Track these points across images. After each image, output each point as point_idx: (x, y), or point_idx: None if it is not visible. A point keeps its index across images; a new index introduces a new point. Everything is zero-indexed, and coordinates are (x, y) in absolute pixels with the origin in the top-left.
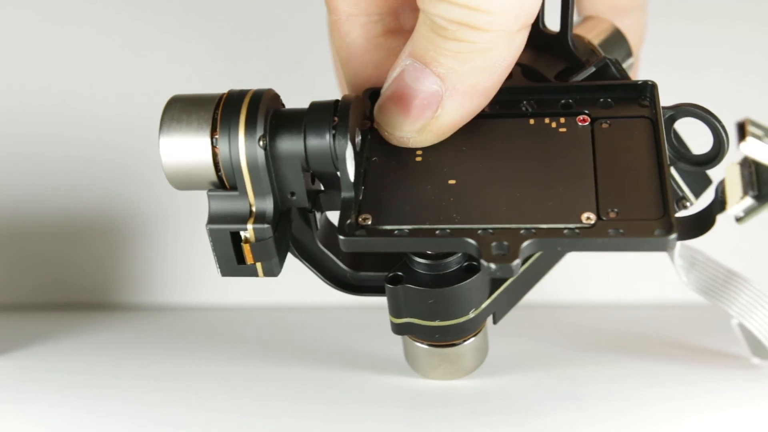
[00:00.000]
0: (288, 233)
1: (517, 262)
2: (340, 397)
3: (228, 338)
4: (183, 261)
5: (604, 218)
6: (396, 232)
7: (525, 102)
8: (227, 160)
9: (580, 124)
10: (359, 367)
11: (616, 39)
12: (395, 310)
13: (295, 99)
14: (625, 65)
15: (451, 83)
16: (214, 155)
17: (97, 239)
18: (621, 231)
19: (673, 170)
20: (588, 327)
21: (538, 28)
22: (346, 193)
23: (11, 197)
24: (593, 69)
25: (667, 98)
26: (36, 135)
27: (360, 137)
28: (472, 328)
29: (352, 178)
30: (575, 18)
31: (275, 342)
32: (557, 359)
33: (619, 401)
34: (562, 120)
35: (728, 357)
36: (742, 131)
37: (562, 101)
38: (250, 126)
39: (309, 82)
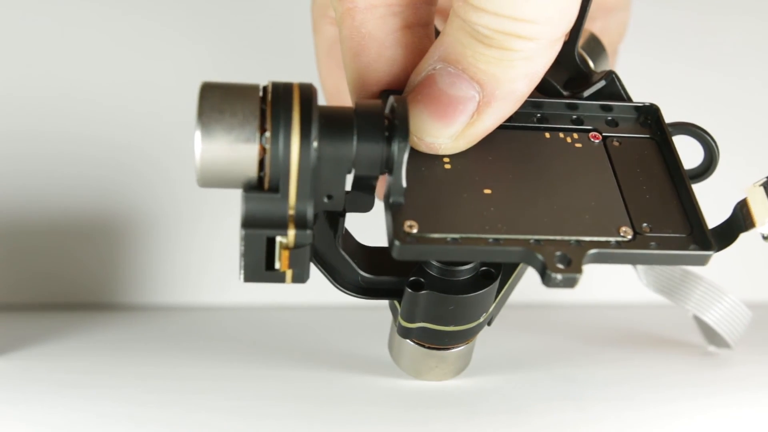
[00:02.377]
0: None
1: (581, 274)
2: (339, 397)
3: (227, 338)
4: (183, 261)
5: (639, 232)
6: (447, 240)
7: (536, 115)
8: (276, 159)
9: (593, 140)
10: (358, 368)
11: (594, 44)
12: (409, 315)
13: None
14: (602, 65)
15: (490, 89)
16: (260, 154)
17: (97, 239)
18: (659, 246)
19: None
20: (587, 326)
21: None
22: (397, 198)
23: (11, 197)
24: (604, 83)
25: (665, 96)
26: (36, 134)
27: None
28: (479, 330)
29: (404, 183)
30: None
31: (275, 342)
32: (556, 359)
33: (618, 401)
34: (576, 136)
35: (728, 358)
36: None
37: (573, 116)
38: (305, 125)
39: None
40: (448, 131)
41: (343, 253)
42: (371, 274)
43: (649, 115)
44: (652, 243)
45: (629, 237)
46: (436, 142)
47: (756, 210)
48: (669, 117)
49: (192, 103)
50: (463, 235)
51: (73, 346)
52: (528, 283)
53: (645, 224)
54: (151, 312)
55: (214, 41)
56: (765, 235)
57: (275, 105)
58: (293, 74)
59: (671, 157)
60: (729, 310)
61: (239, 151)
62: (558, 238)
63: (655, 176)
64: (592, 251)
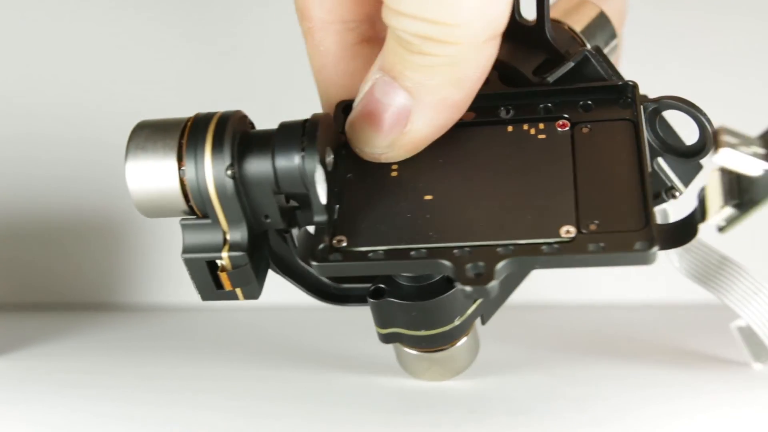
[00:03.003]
0: (266, 253)
1: (493, 284)
2: (339, 397)
3: (227, 338)
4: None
5: (584, 231)
6: (371, 254)
7: (503, 108)
8: (195, 189)
9: (559, 129)
10: (358, 368)
11: (600, 23)
12: (380, 322)
13: (293, 103)
14: (608, 48)
15: (419, 97)
16: (182, 185)
17: (97, 239)
18: (602, 245)
19: (661, 160)
20: (587, 327)
21: (514, 19)
22: (319, 217)
23: (11, 197)
24: (572, 64)
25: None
26: (36, 135)
27: (332, 155)
28: (459, 333)
29: (323, 200)
30: (553, 0)
31: (275, 342)
32: (556, 360)
33: (618, 402)
34: (542, 126)
35: (728, 358)
36: (716, 140)
37: (541, 105)
38: (217, 153)
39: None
40: (383, 141)
41: (303, 264)
42: (336, 282)
43: (627, 93)
44: (593, 243)
45: (569, 238)
46: (374, 151)
47: (710, 198)
48: (669, 118)
49: (191, 103)
50: (390, 248)
51: (73, 346)
52: (528, 284)
53: (593, 221)
54: (151, 312)
55: (213, 43)
56: (720, 227)
57: (190, 138)
58: (292, 75)
59: (639, 140)
60: None
61: (162, 185)
62: (490, 243)
63: (622, 164)
64: (504, 261)
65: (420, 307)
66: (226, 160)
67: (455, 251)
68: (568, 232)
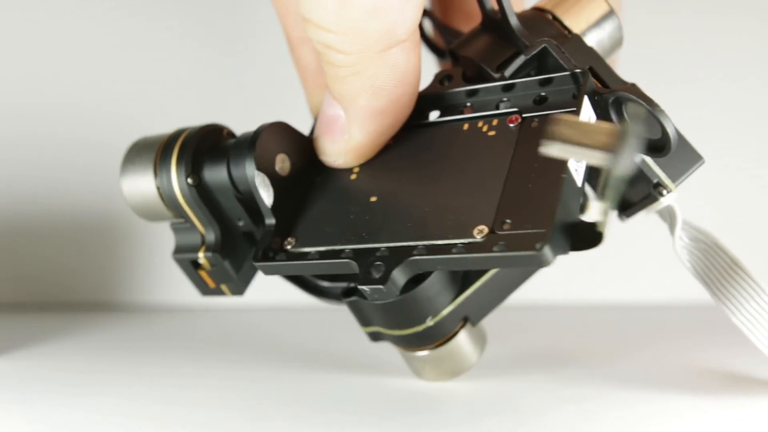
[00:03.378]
0: (251, 253)
1: (388, 285)
2: (338, 398)
3: (227, 338)
4: None
5: (497, 231)
6: (309, 254)
7: (465, 106)
8: (168, 197)
9: (510, 125)
10: (357, 368)
11: (603, 14)
12: (360, 320)
13: (293, 104)
14: (614, 37)
15: (345, 107)
16: (160, 194)
17: (97, 239)
18: (505, 246)
19: (645, 157)
20: (588, 327)
21: (485, 13)
22: (267, 220)
23: (11, 197)
24: (524, 58)
25: (666, 97)
26: (36, 135)
27: (288, 161)
28: (438, 334)
29: (267, 203)
30: None
31: (275, 342)
32: (556, 360)
33: (618, 401)
34: (495, 122)
35: (728, 359)
36: (549, 132)
37: (503, 99)
38: (180, 165)
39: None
40: (330, 149)
41: None
42: (325, 280)
43: (578, 81)
44: (500, 243)
45: (479, 238)
46: (327, 159)
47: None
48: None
49: (190, 105)
50: (327, 248)
51: (73, 346)
52: (528, 284)
53: (507, 221)
54: (151, 312)
55: (214, 43)
56: (597, 222)
57: (163, 153)
58: (293, 76)
59: None
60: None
61: (146, 195)
62: (409, 244)
63: (555, 160)
64: (403, 264)
65: (384, 308)
66: (187, 169)
67: (376, 252)
68: (480, 232)
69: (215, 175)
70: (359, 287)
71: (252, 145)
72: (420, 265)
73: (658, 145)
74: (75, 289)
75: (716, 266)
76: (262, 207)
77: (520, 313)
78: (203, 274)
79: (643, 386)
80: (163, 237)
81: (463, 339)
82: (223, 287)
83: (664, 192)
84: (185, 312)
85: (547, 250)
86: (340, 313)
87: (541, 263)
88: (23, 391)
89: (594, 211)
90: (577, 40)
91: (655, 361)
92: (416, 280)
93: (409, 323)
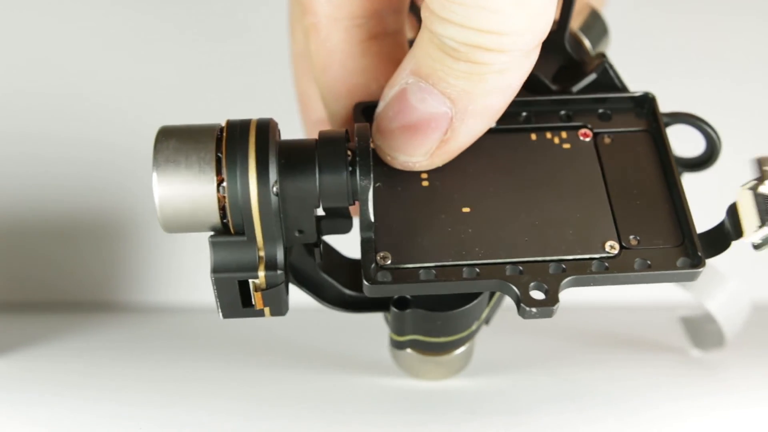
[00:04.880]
0: (289, 269)
1: (558, 305)
2: (338, 398)
3: (227, 339)
4: (183, 261)
5: (626, 246)
6: (422, 272)
7: (523, 114)
8: (235, 207)
9: (582, 138)
10: (357, 368)
11: (594, 20)
12: (398, 330)
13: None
14: (602, 44)
15: (462, 105)
16: (220, 202)
17: (97, 239)
18: (648, 263)
19: None
20: (588, 327)
21: None
22: (365, 234)
23: (11, 197)
24: (594, 76)
25: (665, 98)
26: (36, 135)
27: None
28: (471, 337)
29: (372, 217)
30: None
31: (275, 342)
32: (556, 359)
33: (618, 402)
34: (564, 135)
35: (728, 359)
36: (761, 170)
37: (561, 113)
38: (262, 170)
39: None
40: (421, 149)
41: (325, 275)
42: (356, 291)
43: (645, 104)
44: (638, 259)
45: (614, 253)
46: (410, 160)
47: (745, 217)
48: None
49: (192, 104)
50: (438, 264)
51: (73, 346)
52: None
53: (633, 236)
54: (151, 312)
55: (213, 42)
56: (755, 245)
57: (230, 151)
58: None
59: (665, 153)
60: (731, 297)
61: (198, 201)
62: (539, 259)
63: (648, 176)
64: (569, 278)
65: (446, 317)
66: (272, 176)
67: (507, 268)
68: (612, 247)
69: (302, 183)
70: (525, 308)
71: (365, 151)
72: (578, 282)
73: (696, 162)
74: (75, 289)
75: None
76: (364, 222)
77: None
78: (257, 296)
79: (644, 386)
80: (164, 237)
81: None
82: (266, 309)
83: None
84: (185, 312)
85: (694, 267)
86: (340, 313)
87: (692, 279)
88: (23, 391)
89: (757, 236)
90: (606, 57)
91: (657, 362)
92: None
93: (460, 329)
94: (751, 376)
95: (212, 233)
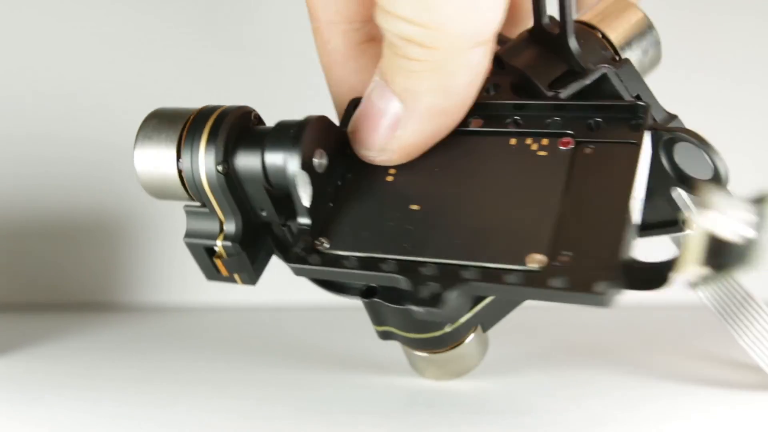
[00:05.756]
0: (268, 243)
1: (440, 309)
2: (339, 398)
3: (227, 339)
4: (183, 261)
5: (554, 261)
6: (345, 260)
7: (513, 118)
8: (191, 180)
9: (561, 147)
10: (358, 368)
11: (640, 30)
12: (374, 319)
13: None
14: (652, 55)
15: (408, 103)
16: (180, 175)
17: (97, 239)
18: (564, 282)
19: (681, 191)
20: (588, 328)
21: (539, 24)
22: (301, 218)
23: (11, 197)
24: (586, 82)
25: (665, 98)
26: (35, 135)
27: (326, 158)
28: (451, 339)
29: (306, 203)
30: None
31: (275, 342)
32: (556, 360)
33: (619, 402)
34: (545, 142)
35: (729, 359)
36: (704, 202)
37: (548, 120)
38: (210, 148)
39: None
40: (374, 143)
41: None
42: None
43: (638, 114)
44: (557, 277)
45: (535, 267)
46: (368, 153)
47: (687, 254)
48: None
49: (192, 104)
50: (364, 255)
51: (73, 346)
52: None
53: (566, 252)
54: (151, 312)
55: (220, 39)
56: (691, 283)
57: (189, 132)
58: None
59: (629, 170)
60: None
61: (165, 174)
62: (456, 263)
63: (617, 191)
64: (458, 289)
65: (404, 313)
66: (218, 156)
67: (422, 267)
68: (536, 261)
69: (247, 164)
70: (411, 307)
71: (296, 140)
72: (474, 290)
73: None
74: (75, 289)
75: (728, 296)
76: (299, 206)
77: (521, 313)
78: (218, 261)
79: (645, 386)
80: (164, 237)
81: (471, 343)
82: (236, 276)
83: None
84: (185, 312)
85: (610, 293)
86: (340, 313)
87: (602, 305)
88: (23, 391)
89: (693, 274)
90: (628, 65)
91: (658, 361)
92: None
93: (429, 329)
94: (751, 375)
95: (187, 203)
